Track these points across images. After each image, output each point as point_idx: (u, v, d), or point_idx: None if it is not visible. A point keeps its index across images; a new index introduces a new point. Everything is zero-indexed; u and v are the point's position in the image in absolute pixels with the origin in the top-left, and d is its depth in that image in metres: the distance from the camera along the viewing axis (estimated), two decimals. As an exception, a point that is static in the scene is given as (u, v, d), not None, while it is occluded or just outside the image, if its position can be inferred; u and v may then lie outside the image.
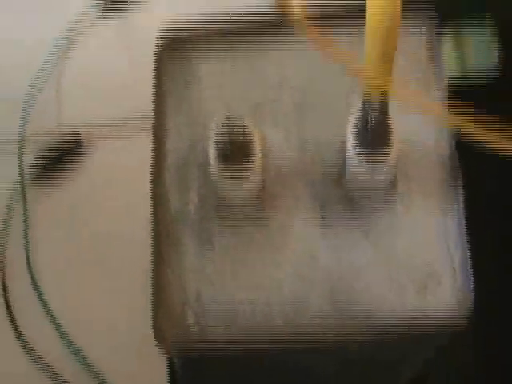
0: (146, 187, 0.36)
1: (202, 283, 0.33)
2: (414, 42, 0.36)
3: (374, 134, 0.31)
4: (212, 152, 0.32)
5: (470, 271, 0.32)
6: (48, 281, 0.55)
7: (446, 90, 0.35)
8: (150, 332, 0.33)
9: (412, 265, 0.33)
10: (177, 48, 0.37)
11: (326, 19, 0.34)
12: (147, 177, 0.36)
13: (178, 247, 0.34)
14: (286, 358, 0.33)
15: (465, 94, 0.53)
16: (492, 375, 0.44)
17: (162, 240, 0.34)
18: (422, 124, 0.35)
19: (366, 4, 0.26)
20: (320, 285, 0.33)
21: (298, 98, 0.36)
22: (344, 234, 0.33)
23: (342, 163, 0.34)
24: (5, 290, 0.55)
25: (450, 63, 0.52)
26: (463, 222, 0.33)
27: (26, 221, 0.56)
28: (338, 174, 0.34)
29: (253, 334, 0.32)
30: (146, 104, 0.57)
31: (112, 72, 0.60)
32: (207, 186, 0.35)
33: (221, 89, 0.36)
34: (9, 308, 0.55)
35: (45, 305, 0.54)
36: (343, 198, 0.34)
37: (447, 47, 0.53)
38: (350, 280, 0.33)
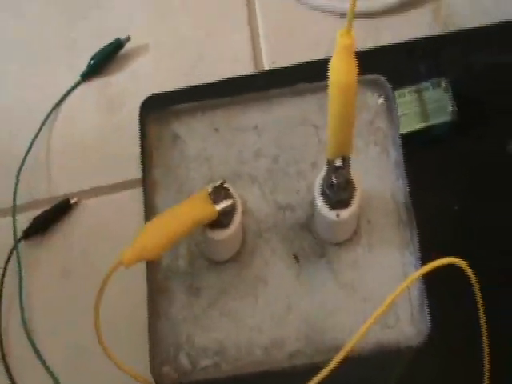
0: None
1: (192, 328, 0.38)
2: (371, 109, 0.41)
3: (339, 191, 0.36)
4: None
5: (426, 305, 0.37)
6: (43, 335, 0.60)
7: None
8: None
9: (375, 302, 0.37)
10: (162, 119, 0.42)
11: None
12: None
13: (170, 298, 0.39)
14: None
15: (424, 146, 0.59)
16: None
17: (156, 293, 0.39)
18: (380, 178, 0.40)
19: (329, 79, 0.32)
20: (295, 325, 0.38)
21: (271, 164, 0.41)
22: (315, 278, 0.38)
23: (311, 213, 0.39)
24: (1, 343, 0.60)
25: (412, 120, 0.58)
26: (419, 259, 0.38)
27: (20, 280, 0.60)
28: (308, 223, 0.39)
29: (238, 370, 0.37)
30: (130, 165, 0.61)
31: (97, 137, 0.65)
32: (194, 241, 0.39)
33: (205, 161, 0.41)
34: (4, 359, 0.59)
35: (40, 358, 0.59)
36: (313, 244, 0.39)
37: (408, 107, 0.58)
38: (322, 319, 0.38)
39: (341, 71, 0.31)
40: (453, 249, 0.51)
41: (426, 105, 0.59)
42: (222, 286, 0.39)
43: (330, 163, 0.35)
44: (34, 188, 0.64)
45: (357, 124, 0.41)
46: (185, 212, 0.35)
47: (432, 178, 0.60)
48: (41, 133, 0.65)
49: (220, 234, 0.36)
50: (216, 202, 0.35)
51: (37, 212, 0.62)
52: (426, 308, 0.37)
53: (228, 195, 0.36)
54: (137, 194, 0.63)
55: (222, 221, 0.36)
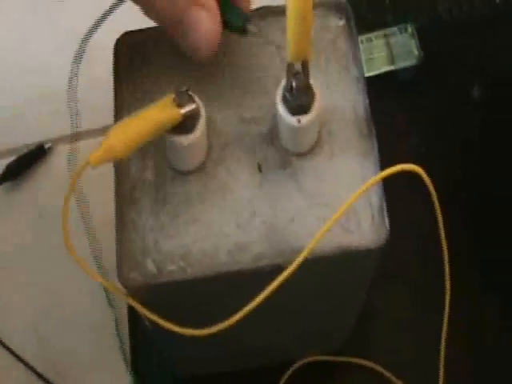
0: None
1: (159, 235, 0.39)
2: (333, 30, 0.43)
3: (299, 96, 0.37)
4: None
5: (386, 211, 0.38)
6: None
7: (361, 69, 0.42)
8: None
9: (336, 207, 0.38)
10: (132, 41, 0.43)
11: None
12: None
13: (137, 207, 0.40)
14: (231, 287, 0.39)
15: (391, 90, 0.61)
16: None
17: (124, 203, 0.40)
18: (341, 92, 0.41)
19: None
20: (259, 230, 0.39)
21: (235, 82, 0.42)
22: (278, 186, 0.39)
23: (275, 126, 0.40)
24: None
25: (378, 64, 0.60)
26: (378, 169, 0.39)
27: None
28: (271, 136, 0.40)
29: (203, 272, 0.38)
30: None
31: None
32: (161, 153, 0.40)
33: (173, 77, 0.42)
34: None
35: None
36: (276, 156, 0.40)
37: (375, 51, 0.60)
38: (285, 224, 0.39)
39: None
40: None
41: (393, 49, 0.61)
42: (188, 195, 0.40)
43: (289, 67, 0.36)
44: (8, 137, 0.65)
45: (319, 44, 0.42)
46: (149, 115, 0.36)
47: (398, 121, 0.62)
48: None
49: (185, 139, 0.37)
50: (180, 106, 0.36)
51: (11, 159, 0.63)
52: (385, 214, 0.38)
53: (192, 100, 0.37)
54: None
55: (186, 125, 0.37)
